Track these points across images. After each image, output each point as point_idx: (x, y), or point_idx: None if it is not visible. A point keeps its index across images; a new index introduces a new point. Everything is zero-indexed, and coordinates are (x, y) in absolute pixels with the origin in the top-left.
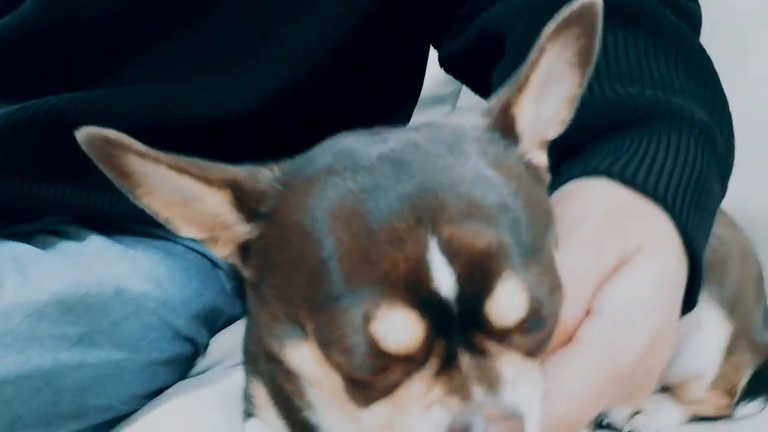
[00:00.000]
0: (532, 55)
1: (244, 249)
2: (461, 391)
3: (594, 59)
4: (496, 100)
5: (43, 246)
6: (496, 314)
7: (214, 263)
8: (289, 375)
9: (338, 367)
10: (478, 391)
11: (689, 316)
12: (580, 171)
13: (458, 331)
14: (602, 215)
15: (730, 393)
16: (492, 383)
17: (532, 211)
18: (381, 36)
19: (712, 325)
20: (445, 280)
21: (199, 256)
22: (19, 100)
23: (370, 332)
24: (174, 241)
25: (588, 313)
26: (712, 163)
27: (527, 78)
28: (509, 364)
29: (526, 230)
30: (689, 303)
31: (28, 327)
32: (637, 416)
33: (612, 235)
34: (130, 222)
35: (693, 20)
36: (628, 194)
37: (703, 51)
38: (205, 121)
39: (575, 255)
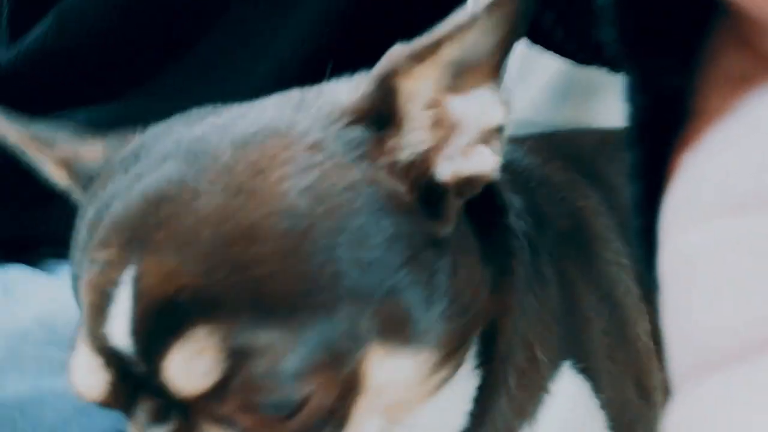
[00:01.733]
0: (460, 21)
1: None
2: None
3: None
4: (380, 64)
5: (45, 269)
6: (174, 379)
7: None
8: None
9: None
10: None
11: None
12: None
13: (155, 393)
14: None
15: None
16: None
17: (327, 248)
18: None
19: None
20: (119, 327)
21: None
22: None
23: (69, 372)
24: None
25: None
26: None
27: (439, 45)
28: None
29: (287, 275)
30: None
31: (7, 350)
32: None
33: None
34: None
35: None
36: None
37: None
38: None
39: None
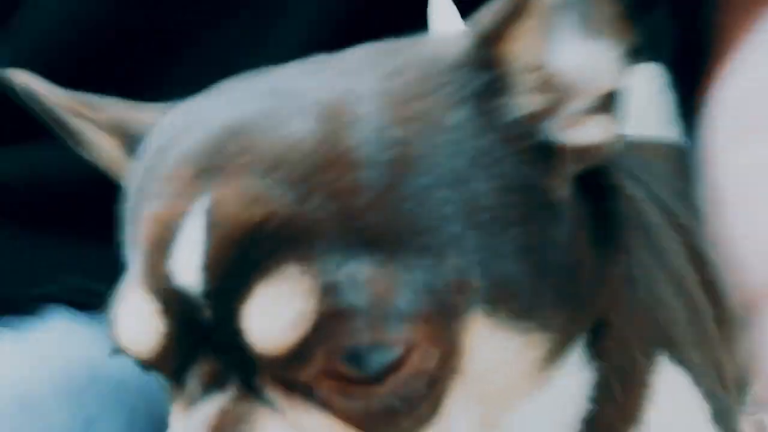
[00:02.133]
0: None
1: None
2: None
3: None
4: (478, 22)
5: None
6: (253, 333)
7: None
8: None
9: None
10: None
11: None
12: None
13: (220, 348)
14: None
15: None
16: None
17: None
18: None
19: None
20: (187, 261)
21: None
22: None
23: (112, 325)
24: None
25: None
26: None
27: None
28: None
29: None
30: None
31: None
32: None
33: None
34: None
35: None
36: None
37: None
38: None
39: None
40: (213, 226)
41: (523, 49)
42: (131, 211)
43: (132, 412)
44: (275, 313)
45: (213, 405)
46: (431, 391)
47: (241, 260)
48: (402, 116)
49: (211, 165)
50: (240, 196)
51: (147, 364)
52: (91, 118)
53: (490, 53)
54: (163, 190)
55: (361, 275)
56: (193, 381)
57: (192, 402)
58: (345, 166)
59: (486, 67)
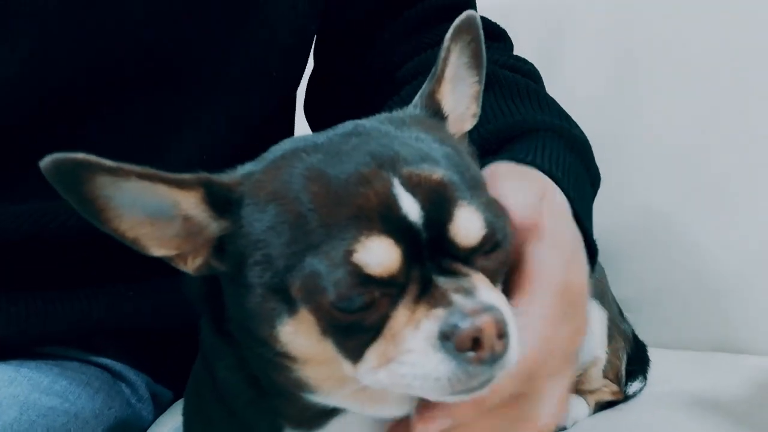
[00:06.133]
0: (442, 54)
1: (218, 248)
2: (442, 302)
3: (484, 59)
4: (421, 92)
5: None
6: (460, 236)
7: (114, 375)
8: (284, 369)
9: (327, 315)
10: (457, 298)
11: None
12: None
13: (429, 257)
14: (515, 172)
15: (618, 378)
16: (468, 291)
17: (468, 162)
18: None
19: (593, 312)
20: (411, 209)
21: (98, 369)
22: None
23: (354, 262)
24: (67, 358)
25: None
26: (578, 161)
27: (442, 72)
28: (479, 281)
29: (467, 172)
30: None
31: None
32: None
33: (529, 179)
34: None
35: (532, 76)
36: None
37: (545, 91)
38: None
39: (508, 192)
40: (415, 187)
41: (445, 98)
42: (326, 204)
43: None
44: (470, 224)
45: (441, 286)
46: (508, 258)
47: (439, 201)
48: (437, 137)
49: (384, 164)
50: (421, 172)
51: (386, 283)
52: (171, 179)
53: (434, 101)
54: (361, 182)
55: (484, 202)
56: (412, 288)
57: (418, 298)
58: (444, 157)
59: (435, 109)
